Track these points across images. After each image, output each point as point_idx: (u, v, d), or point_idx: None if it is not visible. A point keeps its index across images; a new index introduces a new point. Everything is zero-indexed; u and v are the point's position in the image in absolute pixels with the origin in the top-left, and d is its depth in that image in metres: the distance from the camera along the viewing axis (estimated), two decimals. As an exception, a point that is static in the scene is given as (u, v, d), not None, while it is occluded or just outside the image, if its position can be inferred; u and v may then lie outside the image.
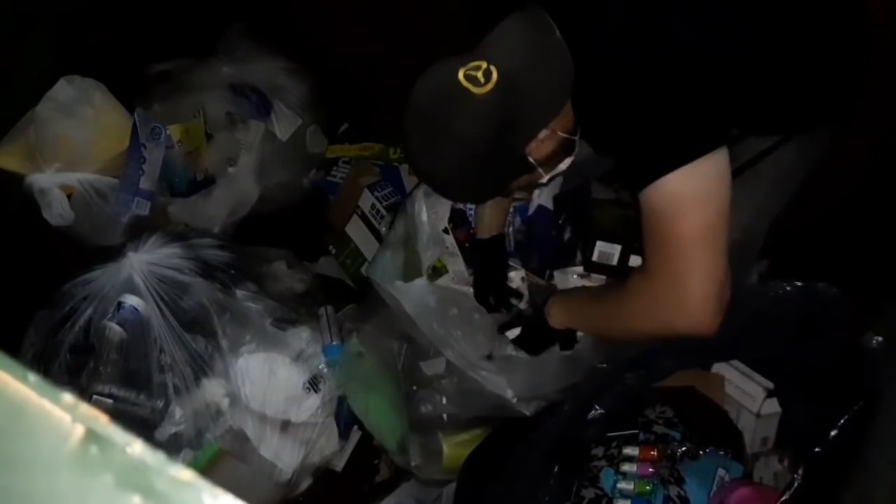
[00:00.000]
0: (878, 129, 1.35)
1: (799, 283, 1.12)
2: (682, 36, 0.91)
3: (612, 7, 0.93)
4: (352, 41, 1.88)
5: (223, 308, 1.34)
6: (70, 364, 1.29)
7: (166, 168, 1.61)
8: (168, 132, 1.60)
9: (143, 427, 1.26)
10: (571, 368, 1.20)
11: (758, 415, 1.22)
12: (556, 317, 1.18)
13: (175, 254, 1.34)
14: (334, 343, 1.44)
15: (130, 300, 1.28)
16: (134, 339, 1.28)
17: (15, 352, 1.33)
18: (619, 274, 1.31)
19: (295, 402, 1.38)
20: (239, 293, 1.38)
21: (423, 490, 1.40)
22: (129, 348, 1.28)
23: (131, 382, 1.28)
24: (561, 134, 1.00)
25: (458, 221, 1.41)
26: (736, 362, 1.25)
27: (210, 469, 1.29)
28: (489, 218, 1.35)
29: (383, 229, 1.63)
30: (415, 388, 1.32)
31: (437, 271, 1.37)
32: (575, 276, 1.36)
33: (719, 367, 1.26)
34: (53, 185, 1.50)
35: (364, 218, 1.70)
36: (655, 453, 1.12)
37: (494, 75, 0.91)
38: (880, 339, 1.08)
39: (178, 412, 1.29)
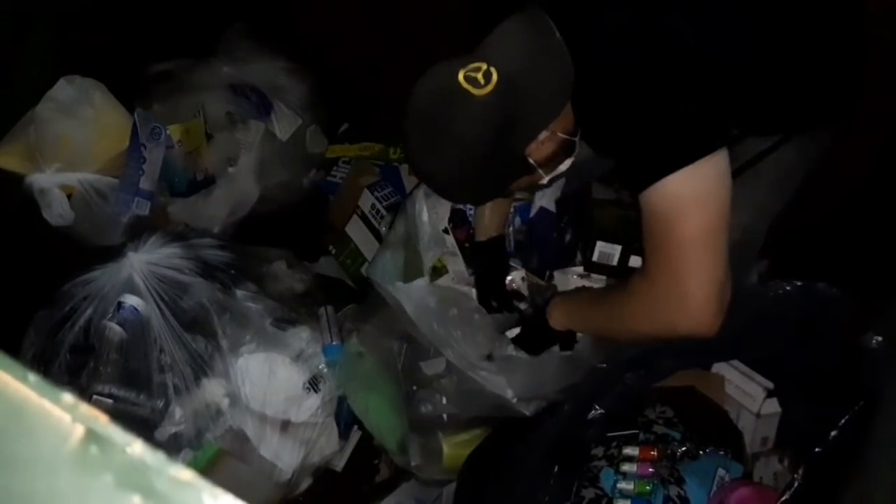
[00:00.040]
0: (878, 129, 1.35)
1: (799, 283, 1.12)
2: (682, 36, 0.91)
3: (611, 7, 0.93)
4: (352, 41, 1.88)
5: (223, 308, 1.34)
6: (70, 364, 1.29)
7: (166, 168, 1.61)
8: (168, 132, 1.60)
9: (143, 427, 1.26)
10: (571, 368, 1.20)
11: (758, 415, 1.22)
12: (558, 318, 1.18)
13: (175, 254, 1.34)
14: (334, 343, 1.44)
15: (130, 300, 1.28)
16: (134, 339, 1.28)
17: (15, 352, 1.33)
18: (619, 274, 1.31)
19: (295, 402, 1.38)
20: (239, 293, 1.38)
21: (423, 490, 1.40)
22: (129, 348, 1.28)
23: (131, 382, 1.28)
24: (561, 135, 1.00)
25: (457, 221, 1.41)
26: (736, 362, 1.25)
27: (210, 469, 1.29)
28: (489, 220, 1.35)
29: (383, 229, 1.63)
30: (415, 388, 1.32)
31: (437, 271, 1.37)
32: (575, 277, 1.36)
33: (719, 367, 1.26)
34: (53, 185, 1.50)
35: (364, 218, 1.70)
36: (655, 453, 1.12)
37: (494, 77, 0.91)
38: (880, 339, 1.08)
39: (178, 412, 1.29)
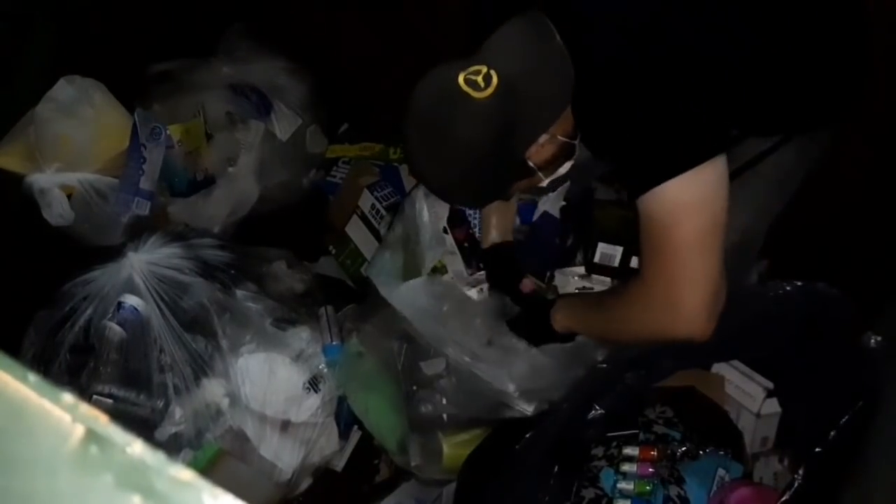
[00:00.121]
0: (878, 129, 1.35)
1: (799, 283, 1.12)
2: (682, 36, 0.91)
3: (611, 7, 0.93)
4: (352, 41, 1.88)
5: (223, 308, 1.34)
6: (70, 364, 1.29)
7: (166, 168, 1.61)
8: (168, 132, 1.60)
9: (143, 427, 1.26)
10: (573, 359, 1.20)
11: (758, 415, 1.22)
12: (560, 321, 1.19)
13: (175, 254, 1.34)
14: (334, 343, 1.44)
15: (130, 300, 1.28)
16: (134, 339, 1.28)
17: (15, 352, 1.33)
18: (621, 275, 1.31)
19: (295, 402, 1.38)
20: (239, 293, 1.38)
21: (423, 490, 1.40)
22: (129, 348, 1.28)
23: (131, 382, 1.28)
24: (561, 138, 1.00)
25: (456, 221, 1.41)
26: (736, 362, 1.25)
27: (210, 469, 1.29)
28: (495, 227, 1.34)
29: (383, 229, 1.63)
30: (415, 388, 1.32)
31: (436, 271, 1.37)
32: (575, 278, 1.36)
33: (719, 367, 1.26)
34: (53, 185, 1.50)
35: (364, 218, 1.70)
36: (655, 453, 1.12)
37: (494, 80, 0.91)
38: (880, 339, 1.08)
39: (178, 412, 1.29)
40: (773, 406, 1.22)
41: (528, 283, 1.31)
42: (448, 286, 1.32)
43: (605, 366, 1.14)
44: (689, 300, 0.93)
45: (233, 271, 1.40)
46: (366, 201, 1.70)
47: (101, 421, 0.27)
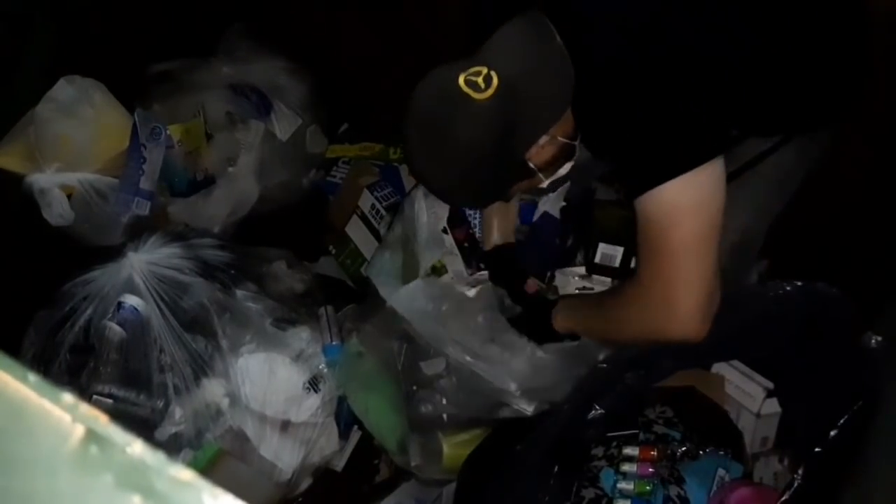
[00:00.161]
0: (878, 129, 1.35)
1: (799, 283, 1.12)
2: (682, 36, 0.91)
3: (611, 7, 0.93)
4: (352, 41, 1.88)
5: (223, 308, 1.34)
6: (70, 364, 1.29)
7: (166, 168, 1.61)
8: (168, 132, 1.60)
9: (143, 427, 1.26)
10: (575, 358, 1.20)
11: (758, 415, 1.22)
12: (561, 322, 1.19)
13: (175, 254, 1.34)
14: (334, 343, 1.44)
15: (130, 300, 1.28)
16: (134, 339, 1.28)
17: (15, 352, 1.33)
18: (621, 276, 1.31)
19: (295, 402, 1.38)
20: (239, 293, 1.38)
21: (423, 490, 1.40)
22: (129, 348, 1.28)
23: (131, 382, 1.28)
24: (561, 139, 1.00)
25: (456, 221, 1.41)
26: (736, 362, 1.25)
27: (210, 469, 1.29)
28: (497, 229, 1.34)
29: (383, 229, 1.63)
30: (415, 388, 1.32)
31: (436, 271, 1.37)
32: (576, 278, 1.36)
33: (719, 367, 1.26)
34: (53, 185, 1.50)
35: (364, 218, 1.70)
36: (655, 453, 1.12)
37: (495, 81, 0.91)
38: (880, 339, 1.08)
39: (178, 412, 1.29)
40: (773, 406, 1.22)
41: (531, 284, 1.31)
42: (446, 287, 1.32)
43: (605, 366, 1.14)
44: (685, 301, 0.93)
45: (233, 271, 1.40)
46: (366, 201, 1.70)
47: (101, 421, 0.27)
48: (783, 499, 1.01)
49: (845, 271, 1.23)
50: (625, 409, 1.16)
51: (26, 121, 1.52)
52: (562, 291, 1.36)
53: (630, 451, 1.13)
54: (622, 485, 1.10)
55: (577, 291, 1.36)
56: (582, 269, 1.36)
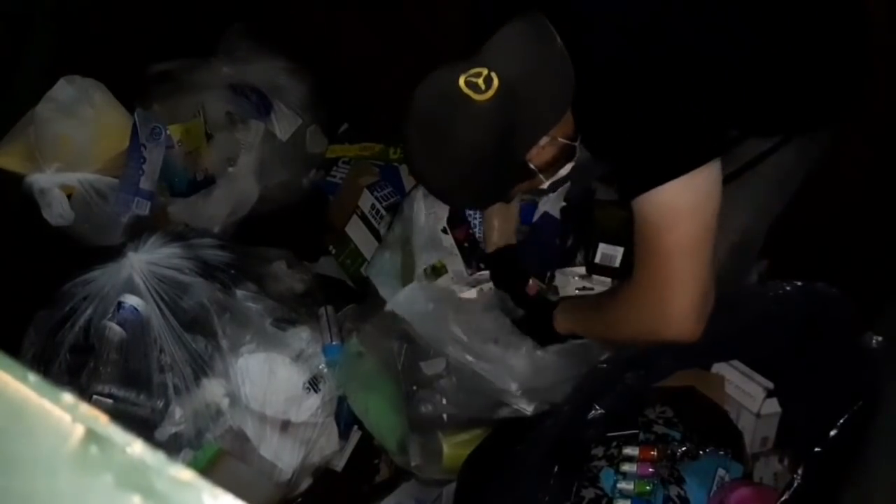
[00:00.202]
0: (878, 129, 1.35)
1: (799, 283, 1.12)
2: (682, 36, 0.91)
3: (611, 7, 0.93)
4: (352, 41, 1.88)
5: (223, 308, 1.34)
6: (70, 364, 1.29)
7: (166, 168, 1.61)
8: (168, 132, 1.60)
9: (143, 427, 1.26)
10: (575, 357, 1.20)
11: (758, 415, 1.22)
12: (562, 324, 1.19)
13: (175, 254, 1.34)
14: (334, 343, 1.44)
15: (130, 300, 1.28)
16: (134, 339, 1.28)
17: (15, 352, 1.33)
18: (622, 276, 1.31)
19: (295, 402, 1.38)
20: (239, 293, 1.38)
21: (423, 490, 1.40)
22: (129, 348, 1.28)
23: (131, 382, 1.28)
24: (562, 140, 1.00)
25: (456, 221, 1.41)
26: (736, 362, 1.25)
27: (210, 469, 1.29)
28: (498, 231, 1.34)
29: (383, 229, 1.64)
30: (415, 388, 1.32)
31: (436, 271, 1.37)
32: (576, 278, 1.36)
33: (719, 367, 1.26)
34: (53, 185, 1.50)
35: (364, 218, 1.70)
36: (655, 453, 1.12)
37: (495, 82, 0.91)
38: (880, 339, 1.08)
39: (178, 412, 1.28)
40: (773, 406, 1.22)
41: (532, 286, 1.31)
42: (445, 289, 1.32)
43: (605, 366, 1.14)
44: (679, 302, 0.94)
45: (233, 271, 1.40)
46: (366, 201, 1.70)
47: (101, 421, 0.27)
48: (783, 499, 1.01)
49: (845, 271, 1.23)
50: (625, 409, 1.16)
51: (26, 121, 1.52)
52: (562, 291, 1.36)
53: (630, 451, 1.13)
54: (622, 485, 1.10)
55: (577, 291, 1.36)
56: (582, 270, 1.36)
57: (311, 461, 1.41)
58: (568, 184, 1.38)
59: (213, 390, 1.31)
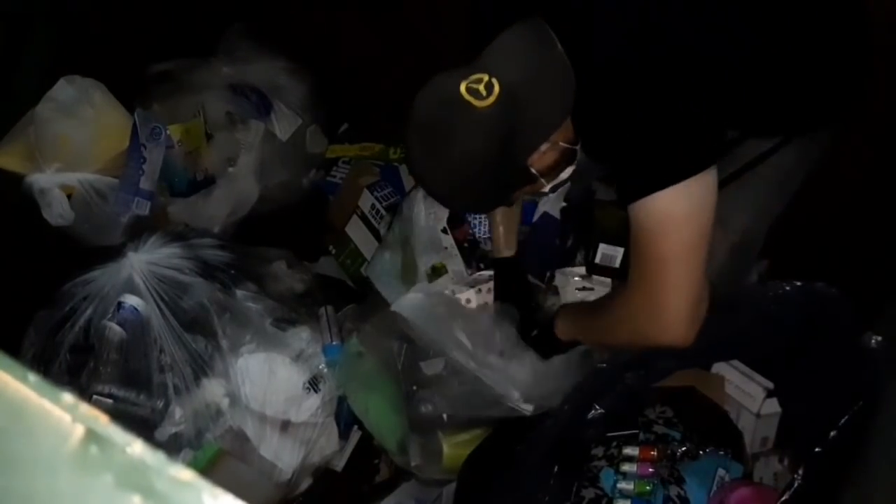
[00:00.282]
0: (878, 129, 1.35)
1: (799, 284, 1.12)
2: (682, 36, 0.91)
3: (611, 7, 0.93)
4: (352, 41, 1.88)
5: (223, 308, 1.34)
6: (70, 364, 1.29)
7: (166, 168, 1.61)
8: (168, 132, 1.60)
9: (143, 427, 1.26)
10: (576, 366, 1.20)
11: (758, 415, 1.22)
12: (562, 330, 1.19)
13: (175, 254, 1.34)
14: (334, 343, 1.44)
15: (130, 300, 1.28)
16: (134, 339, 1.28)
17: (15, 352, 1.33)
18: (622, 276, 1.31)
19: (295, 402, 1.38)
20: (239, 293, 1.38)
21: (423, 490, 1.40)
22: (129, 348, 1.28)
23: (131, 382, 1.28)
24: (563, 144, 1.01)
25: (456, 221, 1.41)
26: (736, 362, 1.25)
27: (210, 469, 1.29)
28: (504, 239, 1.33)
29: (383, 229, 1.64)
30: (415, 388, 1.32)
31: (436, 271, 1.37)
32: (576, 278, 1.36)
33: (719, 367, 1.26)
34: (53, 185, 1.50)
35: (364, 218, 1.70)
36: (655, 453, 1.12)
37: (496, 88, 0.91)
38: (880, 339, 1.08)
39: (178, 412, 1.28)
40: (773, 406, 1.22)
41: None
42: (452, 297, 1.32)
43: (604, 366, 1.14)
44: (673, 307, 0.94)
45: (233, 271, 1.40)
46: (366, 201, 1.70)
47: (101, 421, 0.27)
48: (783, 499, 1.01)
49: (845, 271, 1.23)
50: (625, 409, 1.16)
51: (26, 121, 1.52)
52: (562, 291, 1.36)
53: (630, 451, 1.13)
54: (622, 485, 1.10)
55: (577, 291, 1.36)
56: (582, 270, 1.36)
57: (311, 461, 1.41)
58: (568, 184, 1.39)
59: (213, 390, 1.31)
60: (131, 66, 1.68)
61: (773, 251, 1.36)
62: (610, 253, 1.33)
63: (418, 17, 1.73)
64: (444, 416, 1.29)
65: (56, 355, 1.29)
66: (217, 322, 1.32)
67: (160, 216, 1.62)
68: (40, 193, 1.50)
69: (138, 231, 1.41)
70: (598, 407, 1.12)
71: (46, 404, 0.28)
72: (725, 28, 0.94)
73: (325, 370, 1.42)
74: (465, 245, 1.40)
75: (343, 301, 1.59)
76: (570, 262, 1.38)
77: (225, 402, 1.32)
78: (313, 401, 1.39)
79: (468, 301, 1.34)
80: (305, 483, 1.43)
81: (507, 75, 0.91)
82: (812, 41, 1.00)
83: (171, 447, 1.28)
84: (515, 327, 1.25)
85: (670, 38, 0.91)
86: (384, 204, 1.68)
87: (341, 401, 1.45)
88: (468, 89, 0.91)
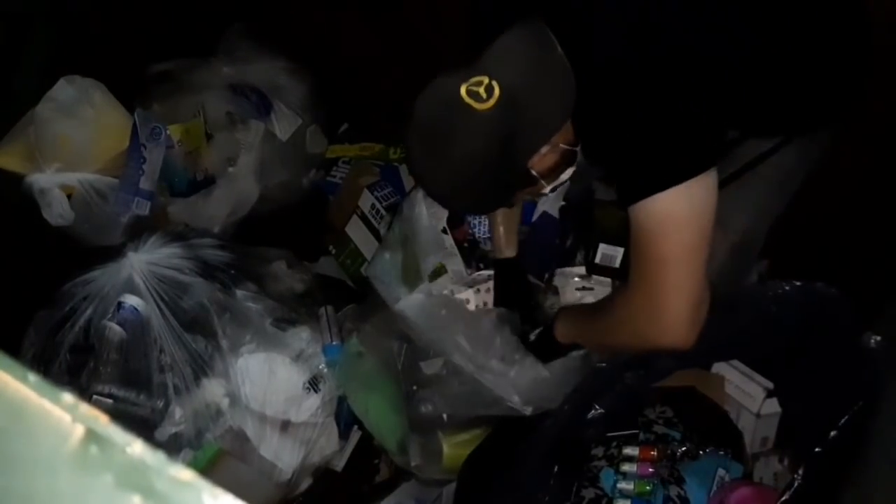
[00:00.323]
0: (878, 129, 1.35)
1: (798, 283, 1.12)
2: (682, 36, 0.91)
3: (611, 7, 0.93)
4: (352, 41, 1.88)
5: (223, 308, 1.34)
6: (70, 364, 1.29)
7: (166, 168, 1.61)
8: (168, 132, 1.60)
9: (143, 427, 1.26)
10: (575, 371, 1.20)
11: (758, 415, 1.22)
12: (562, 332, 1.19)
13: (175, 254, 1.34)
14: (334, 343, 1.44)
15: (130, 300, 1.28)
16: (134, 339, 1.28)
17: (15, 352, 1.33)
18: (622, 276, 1.31)
19: (295, 402, 1.38)
20: (239, 293, 1.38)
21: (423, 490, 1.40)
22: (129, 348, 1.28)
23: (131, 382, 1.28)
24: (563, 146, 1.01)
25: (456, 221, 1.41)
26: (736, 362, 1.25)
27: (210, 469, 1.29)
28: (505, 240, 1.34)
29: (383, 229, 1.64)
30: (415, 388, 1.32)
31: (436, 271, 1.37)
32: (576, 278, 1.36)
33: (719, 367, 1.26)
34: (53, 185, 1.50)
35: (364, 218, 1.70)
36: (655, 453, 1.12)
37: (497, 91, 0.91)
38: (880, 339, 1.08)
39: (178, 412, 1.29)
40: (773, 406, 1.22)
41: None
42: (455, 300, 1.32)
43: (604, 366, 1.14)
44: (673, 309, 0.94)
45: (233, 271, 1.40)
46: (366, 201, 1.70)
47: (101, 421, 0.27)
48: (783, 499, 1.01)
49: (845, 271, 1.23)
50: (625, 409, 1.16)
51: (26, 121, 1.52)
52: (562, 292, 1.36)
53: (630, 451, 1.13)
54: (622, 485, 1.10)
55: (577, 291, 1.36)
56: (582, 269, 1.36)
57: (311, 461, 1.41)
58: (567, 183, 1.39)
59: (213, 390, 1.31)
60: (131, 66, 1.68)
61: (773, 251, 1.36)
62: (610, 253, 1.33)
63: (418, 17, 1.73)
64: (444, 416, 1.29)
65: (56, 355, 1.29)
66: (217, 322, 1.32)
67: (160, 216, 1.62)
68: (40, 193, 1.50)
69: (138, 231, 1.41)
70: (597, 407, 1.12)
71: (46, 404, 0.28)
72: (725, 28, 0.94)
73: (325, 370, 1.42)
74: (465, 245, 1.40)
75: (343, 301, 1.59)
76: (570, 262, 1.38)
77: (225, 402, 1.32)
78: (313, 401, 1.39)
79: (466, 301, 1.34)
80: (305, 483, 1.43)
81: (507, 78, 0.91)
82: (812, 41, 1.00)
83: (171, 447, 1.28)
84: (516, 333, 1.25)
85: (670, 38, 0.91)
86: (384, 204, 1.68)
87: (341, 401, 1.45)
88: (468, 92, 0.91)
